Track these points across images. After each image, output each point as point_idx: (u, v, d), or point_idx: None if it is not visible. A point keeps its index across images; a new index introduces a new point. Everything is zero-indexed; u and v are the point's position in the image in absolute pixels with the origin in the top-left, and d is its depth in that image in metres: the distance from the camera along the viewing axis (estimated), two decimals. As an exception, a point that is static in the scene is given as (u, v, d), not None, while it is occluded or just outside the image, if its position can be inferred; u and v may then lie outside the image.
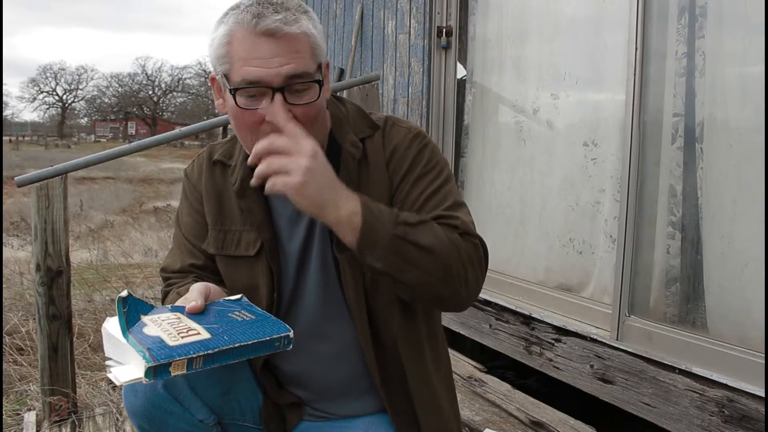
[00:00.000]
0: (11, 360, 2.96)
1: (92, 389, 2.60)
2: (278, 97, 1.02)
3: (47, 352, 2.24)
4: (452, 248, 1.04)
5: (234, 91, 1.04)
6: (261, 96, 1.04)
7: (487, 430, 2.03)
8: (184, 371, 0.81)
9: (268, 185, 0.95)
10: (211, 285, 1.06)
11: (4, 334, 3.08)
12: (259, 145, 0.96)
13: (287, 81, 1.03)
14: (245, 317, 0.94)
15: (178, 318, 0.91)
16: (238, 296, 1.02)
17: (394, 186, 1.15)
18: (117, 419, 2.30)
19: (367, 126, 1.19)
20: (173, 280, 1.25)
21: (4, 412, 2.47)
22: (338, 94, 3.53)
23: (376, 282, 1.13)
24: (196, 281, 1.18)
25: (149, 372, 0.78)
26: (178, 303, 1.00)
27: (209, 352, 0.83)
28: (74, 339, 2.50)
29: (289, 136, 0.96)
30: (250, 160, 0.98)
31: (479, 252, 1.09)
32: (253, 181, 0.98)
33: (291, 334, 0.90)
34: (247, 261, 1.19)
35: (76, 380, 2.39)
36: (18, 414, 2.47)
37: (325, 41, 1.15)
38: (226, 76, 1.06)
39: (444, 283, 1.04)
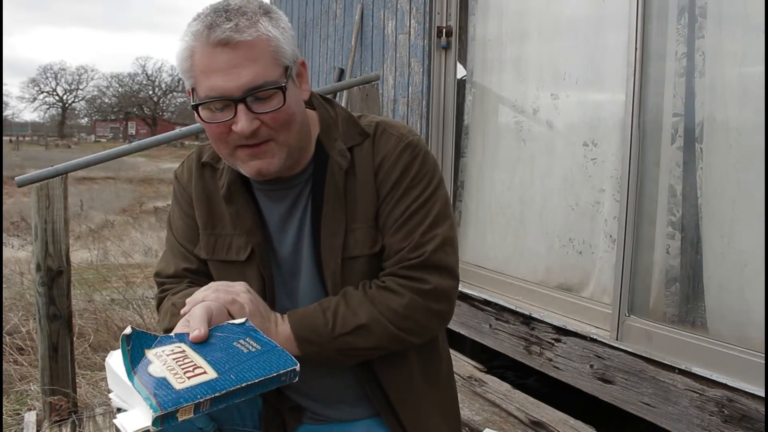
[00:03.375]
0: (11, 360, 2.96)
1: (92, 389, 2.61)
2: (241, 107, 1.01)
3: (47, 352, 2.24)
4: (396, 328, 1.08)
5: (197, 107, 1.04)
6: (226, 108, 1.02)
7: (487, 430, 2.03)
8: (192, 416, 0.79)
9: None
10: (213, 305, 1.00)
11: (4, 334, 3.08)
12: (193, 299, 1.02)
13: (247, 92, 1.01)
14: (251, 347, 0.91)
15: (183, 352, 0.88)
16: (242, 320, 0.99)
17: (381, 198, 1.12)
18: (117, 419, 2.30)
19: (356, 133, 1.15)
20: (167, 285, 1.23)
21: (4, 411, 2.47)
22: (337, 94, 3.54)
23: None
24: (191, 286, 1.19)
25: (156, 421, 0.76)
26: (181, 329, 0.96)
27: (216, 394, 0.81)
28: (74, 339, 2.50)
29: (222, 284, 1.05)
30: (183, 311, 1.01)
31: (436, 293, 1.10)
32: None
33: (297, 367, 0.89)
34: (238, 266, 1.17)
35: (77, 380, 2.39)
36: (18, 414, 2.47)
37: (296, 40, 1.11)
38: (194, 90, 1.05)
39: (404, 345, 1.12)
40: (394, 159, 1.12)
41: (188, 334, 0.93)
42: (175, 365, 0.85)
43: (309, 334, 1.06)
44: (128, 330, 0.87)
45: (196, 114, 1.08)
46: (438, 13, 3.09)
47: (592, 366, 2.13)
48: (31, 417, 2.33)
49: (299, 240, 1.16)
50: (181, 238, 1.24)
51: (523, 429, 2.08)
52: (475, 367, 2.64)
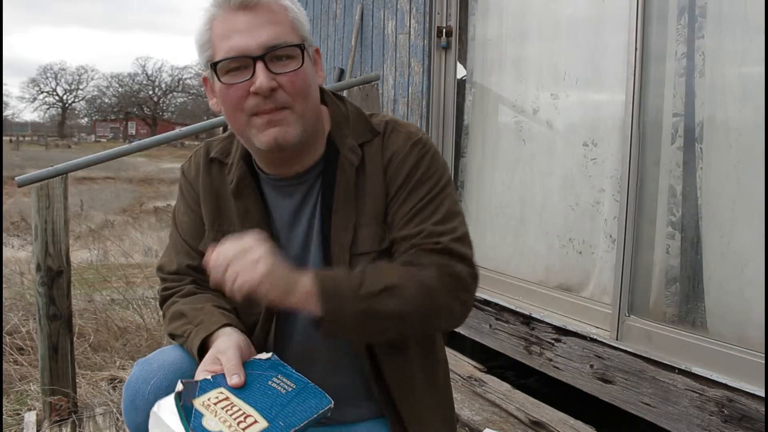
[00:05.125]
0: (11, 360, 2.96)
1: (92, 389, 2.60)
2: (260, 65, 1.02)
3: (47, 352, 2.24)
4: (427, 299, 1.03)
5: (215, 68, 1.05)
6: (244, 69, 1.04)
7: (487, 430, 2.03)
8: None
9: (229, 292, 0.98)
10: (240, 340, 1.04)
11: (4, 334, 3.08)
12: (213, 260, 0.98)
13: (267, 49, 1.03)
14: (287, 387, 0.97)
15: (227, 399, 0.92)
16: (268, 355, 1.03)
17: (390, 196, 1.12)
18: (117, 419, 2.30)
19: (367, 131, 1.16)
20: (170, 283, 1.24)
21: (4, 411, 2.47)
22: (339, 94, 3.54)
23: None
24: (194, 286, 1.20)
25: None
26: (211, 364, 0.99)
27: None
28: (74, 339, 2.50)
29: (235, 243, 0.98)
30: (211, 280, 0.99)
31: (460, 277, 1.07)
32: (212, 285, 1.00)
33: (332, 404, 0.95)
34: None
35: (77, 380, 2.39)
36: (18, 414, 2.47)
37: (311, 28, 1.15)
38: (211, 63, 1.06)
39: (422, 330, 1.09)
40: (404, 155, 1.12)
41: (224, 376, 0.97)
42: (228, 416, 0.88)
43: (332, 290, 1.00)
44: (180, 386, 0.90)
45: (213, 100, 1.10)
46: (438, 13, 3.09)
47: (592, 366, 2.13)
48: (31, 417, 2.33)
49: (308, 236, 1.16)
50: (185, 234, 1.24)
51: (523, 429, 2.08)
52: (475, 367, 2.64)
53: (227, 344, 1.03)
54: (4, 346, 3.01)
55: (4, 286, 3.91)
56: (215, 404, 0.90)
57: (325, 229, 1.13)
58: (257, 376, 0.97)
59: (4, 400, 2.56)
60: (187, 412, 0.88)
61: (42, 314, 2.22)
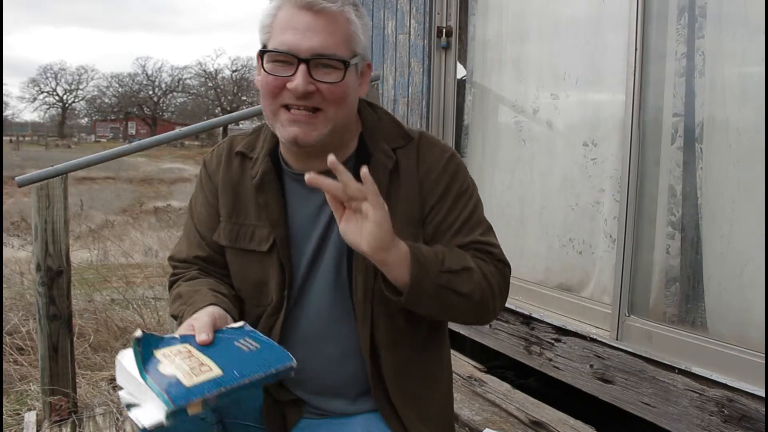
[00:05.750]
0: (11, 360, 2.96)
1: (92, 389, 2.61)
2: (302, 68, 1.05)
3: (47, 352, 2.24)
4: (487, 289, 1.11)
5: (262, 54, 1.09)
6: (288, 65, 1.07)
7: (487, 429, 2.03)
8: (200, 410, 0.86)
9: (345, 229, 1.00)
10: (216, 311, 1.07)
11: (4, 334, 3.08)
12: (337, 189, 0.98)
13: (314, 56, 1.06)
14: (251, 346, 0.99)
15: (189, 352, 0.95)
16: (240, 323, 1.06)
17: (428, 207, 1.16)
18: (117, 419, 2.30)
19: (400, 136, 1.19)
20: (178, 270, 1.28)
21: (4, 411, 2.47)
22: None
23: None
24: (200, 273, 1.24)
25: (169, 416, 0.84)
26: (186, 331, 1.02)
27: (222, 390, 0.88)
28: (74, 339, 2.50)
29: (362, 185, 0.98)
30: (308, 177, 0.98)
31: (507, 280, 1.17)
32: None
33: (294, 364, 0.96)
34: (258, 256, 1.19)
35: (77, 380, 2.39)
36: (18, 414, 2.47)
37: (370, 46, 1.18)
38: (263, 48, 1.10)
39: (474, 317, 1.14)
40: (441, 169, 1.17)
41: (193, 336, 0.98)
42: (183, 364, 0.91)
43: (423, 259, 1.05)
44: (138, 333, 0.92)
45: (259, 77, 1.13)
46: (438, 13, 3.09)
47: (592, 366, 2.13)
48: (31, 417, 2.33)
49: (327, 234, 1.17)
50: (199, 225, 1.27)
51: (523, 429, 2.09)
52: (475, 367, 2.64)
53: (202, 312, 1.06)
54: (4, 346, 3.01)
55: (4, 286, 3.91)
56: (175, 355, 0.93)
57: None
58: (225, 338, 1.00)
59: (4, 400, 2.56)
60: (145, 357, 0.92)
61: (42, 314, 2.22)
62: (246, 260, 1.21)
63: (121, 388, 0.94)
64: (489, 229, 1.20)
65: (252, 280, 1.22)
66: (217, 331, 1.02)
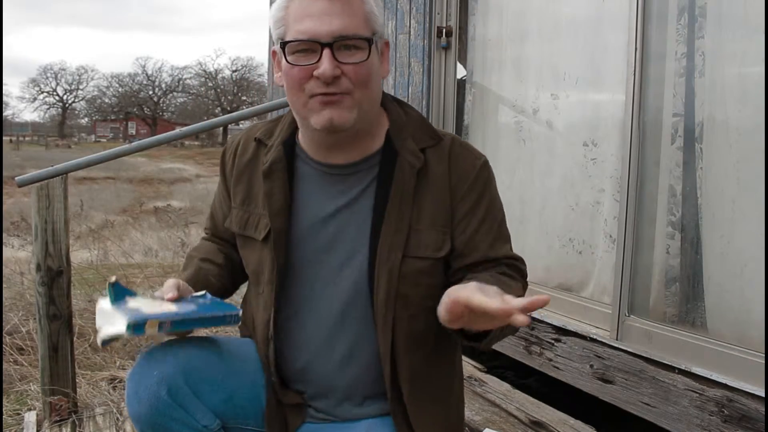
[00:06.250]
0: (11, 360, 2.96)
1: (92, 389, 2.60)
2: (326, 52, 1.04)
3: (47, 352, 2.24)
4: None
5: (284, 46, 1.08)
6: (311, 53, 1.06)
7: (487, 429, 2.03)
8: (156, 330, 1.04)
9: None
10: (182, 282, 1.16)
11: (4, 334, 3.08)
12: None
13: (336, 38, 1.05)
14: (206, 301, 1.16)
15: (154, 300, 1.12)
16: (202, 292, 1.18)
17: (458, 215, 1.15)
18: (117, 419, 2.30)
19: (428, 136, 1.18)
20: (203, 235, 1.41)
21: (4, 411, 2.47)
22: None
23: (407, 294, 1.14)
24: (210, 238, 1.37)
25: (129, 327, 1.01)
26: (156, 295, 1.14)
27: (176, 318, 1.07)
28: (74, 339, 2.50)
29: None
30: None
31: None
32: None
33: (240, 313, 1.11)
34: (257, 244, 1.20)
35: (77, 380, 2.39)
36: (18, 414, 2.47)
37: (384, 22, 1.18)
38: (282, 41, 1.09)
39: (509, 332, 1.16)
40: (474, 177, 1.16)
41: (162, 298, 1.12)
42: (147, 304, 1.10)
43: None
44: (113, 279, 1.11)
45: (278, 74, 1.13)
46: (438, 13, 3.09)
47: (592, 366, 2.13)
48: (31, 417, 2.33)
49: (345, 230, 1.16)
50: (214, 208, 1.36)
51: (523, 429, 2.09)
52: (475, 367, 2.64)
53: (170, 280, 1.16)
54: (4, 346, 3.01)
55: (4, 286, 3.91)
56: (143, 302, 1.10)
57: (376, 226, 1.14)
58: (186, 298, 1.16)
59: (4, 400, 2.56)
60: (118, 299, 1.09)
61: (42, 314, 2.22)
62: (249, 248, 1.22)
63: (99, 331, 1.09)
64: (509, 239, 1.22)
65: (252, 268, 1.23)
66: (180, 298, 1.13)
